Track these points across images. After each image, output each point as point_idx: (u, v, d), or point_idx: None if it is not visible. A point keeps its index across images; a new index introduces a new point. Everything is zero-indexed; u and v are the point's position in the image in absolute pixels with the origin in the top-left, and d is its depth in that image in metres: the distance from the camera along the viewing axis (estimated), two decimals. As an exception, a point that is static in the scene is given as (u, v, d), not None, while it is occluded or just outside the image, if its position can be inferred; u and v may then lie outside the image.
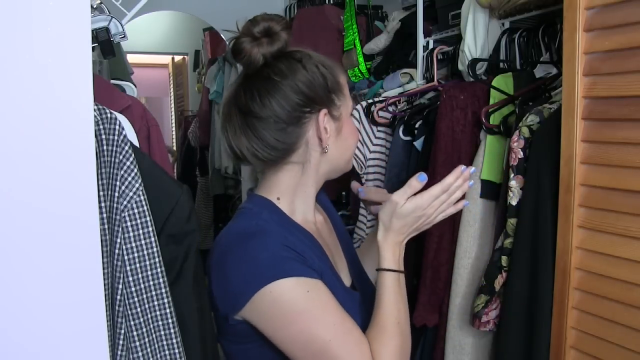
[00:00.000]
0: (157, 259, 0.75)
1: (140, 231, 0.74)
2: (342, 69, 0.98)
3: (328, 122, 0.90)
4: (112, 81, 1.57)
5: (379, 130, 1.76)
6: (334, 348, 0.80)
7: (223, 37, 3.34)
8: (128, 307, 0.73)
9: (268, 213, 0.90)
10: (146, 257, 0.75)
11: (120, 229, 0.72)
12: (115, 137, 0.72)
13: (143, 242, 0.74)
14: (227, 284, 0.84)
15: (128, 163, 0.73)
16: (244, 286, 0.81)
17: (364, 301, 0.94)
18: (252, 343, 0.87)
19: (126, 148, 0.73)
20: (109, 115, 0.72)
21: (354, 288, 0.97)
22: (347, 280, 0.97)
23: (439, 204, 0.92)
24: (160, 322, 0.76)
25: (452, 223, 1.41)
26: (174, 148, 5.07)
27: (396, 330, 0.85)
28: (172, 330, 0.77)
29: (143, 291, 0.75)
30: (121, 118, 0.79)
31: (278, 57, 0.90)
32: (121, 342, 0.72)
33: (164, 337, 0.76)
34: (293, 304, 0.80)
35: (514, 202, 1.18)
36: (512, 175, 1.18)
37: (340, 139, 0.93)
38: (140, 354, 0.74)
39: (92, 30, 1.23)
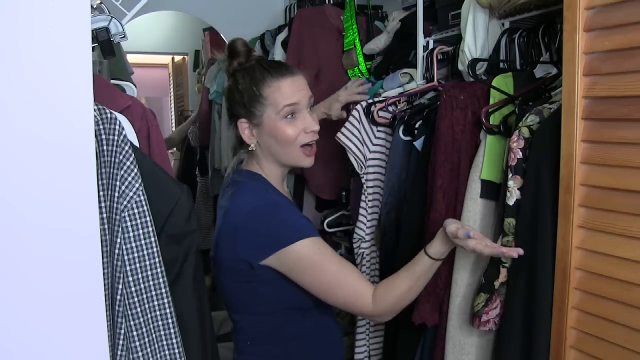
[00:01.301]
0: (157, 259, 0.75)
1: (140, 231, 0.74)
2: (278, 76, 1.19)
3: (248, 129, 1.22)
4: (112, 81, 1.57)
5: (379, 130, 1.76)
6: (342, 280, 1.14)
7: (223, 37, 3.33)
8: (128, 307, 0.73)
9: (270, 187, 1.22)
10: (146, 257, 0.75)
11: (120, 229, 0.72)
12: (115, 137, 0.72)
13: (143, 242, 0.74)
14: (255, 239, 1.13)
15: (128, 163, 0.73)
16: (273, 243, 1.12)
17: None
18: (268, 282, 1.15)
19: (126, 148, 0.73)
20: (109, 115, 0.72)
21: None
22: None
23: None
24: (160, 322, 0.76)
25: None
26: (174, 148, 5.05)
27: (408, 285, 1.16)
28: (172, 330, 0.77)
29: (143, 291, 0.75)
30: (121, 118, 0.79)
31: (234, 73, 1.24)
32: (121, 342, 0.72)
33: (163, 337, 0.76)
34: (310, 257, 1.12)
35: (510, 202, 1.17)
36: (510, 175, 1.18)
37: (267, 138, 1.21)
38: (140, 353, 0.74)
39: (92, 30, 1.23)
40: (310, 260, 1.12)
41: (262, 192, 1.21)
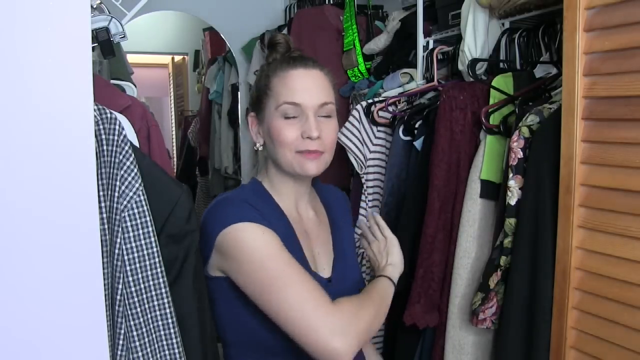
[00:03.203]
0: (157, 259, 0.75)
1: (140, 231, 0.74)
2: (289, 66, 1.01)
3: (255, 124, 1.06)
4: (112, 81, 1.57)
5: (379, 130, 1.76)
6: (287, 282, 0.88)
7: (223, 37, 3.33)
8: (128, 307, 0.73)
9: (252, 193, 1.03)
10: (146, 257, 0.75)
11: (120, 229, 0.72)
12: (115, 137, 0.72)
13: (143, 242, 0.74)
14: (203, 234, 0.94)
15: (128, 163, 0.73)
16: (211, 231, 0.93)
17: (335, 294, 0.99)
18: (232, 300, 0.96)
19: (126, 148, 0.73)
20: (109, 115, 0.72)
21: (329, 281, 1.06)
22: (326, 273, 1.07)
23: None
24: (160, 322, 0.76)
25: (449, 223, 1.41)
26: (174, 148, 5.06)
27: (373, 309, 0.96)
28: (172, 330, 0.77)
29: (143, 291, 0.75)
30: (121, 118, 0.79)
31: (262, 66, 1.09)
32: (121, 342, 0.72)
33: (163, 337, 0.76)
34: (250, 241, 0.90)
35: (512, 202, 1.18)
36: (511, 175, 1.18)
37: (267, 137, 1.03)
38: (140, 353, 0.74)
39: (92, 30, 1.23)
40: (249, 244, 0.89)
41: (236, 191, 1.04)
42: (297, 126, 0.99)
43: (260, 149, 1.06)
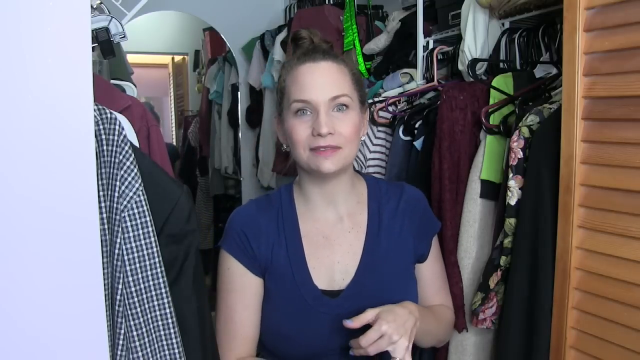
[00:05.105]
0: (157, 259, 0.75)
1: (140, 231, 0.74)
2: (299, 62, 1.01)
3: (279, 126, 1.06)
4: (112, 81, 1.57)
5: (379, 130, 1.76)
6: (220, 306, 1.04)
7: (223, 37, 3.33)
8: (128, 307, 0.73)
9: (278, 196, 1.08)
10: (146, 257, 0.74)
11: (120, 229, 0.72)
12: (115, 137, 0.72)
13: (143, 242, 0.74)
14: None
15: (128, 163, 0.73)
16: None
17: (343, 308, 1.00)
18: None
19: (126, 148, 0.73)
20: (109, 115, 0.72)
21: (336, 294, 1.02)
22: (341, 284, 1.04)
23: None
24: (160, 322, 0.76)
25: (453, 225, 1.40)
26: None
27: None
28: (171, 330, 0.77)
29: (143, 291, 0.75)
30: (121, 118, 0.79)
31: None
32: (121, 342, 0.72)
33: (163, 337, 0.76)
34: (219, 268, 1.05)
35: (512, 202, 1.18)
36: (511, 175, 1.18)
37: (288, 139, 1.03)
38: (140, 353, 0.74)
39: (92, 30, 1.23)
40: (219, 269, 1.06)
41: (268, 194, 1.12)
42: (309, 123, 0.98)
43: (287, 149, 1.06)
